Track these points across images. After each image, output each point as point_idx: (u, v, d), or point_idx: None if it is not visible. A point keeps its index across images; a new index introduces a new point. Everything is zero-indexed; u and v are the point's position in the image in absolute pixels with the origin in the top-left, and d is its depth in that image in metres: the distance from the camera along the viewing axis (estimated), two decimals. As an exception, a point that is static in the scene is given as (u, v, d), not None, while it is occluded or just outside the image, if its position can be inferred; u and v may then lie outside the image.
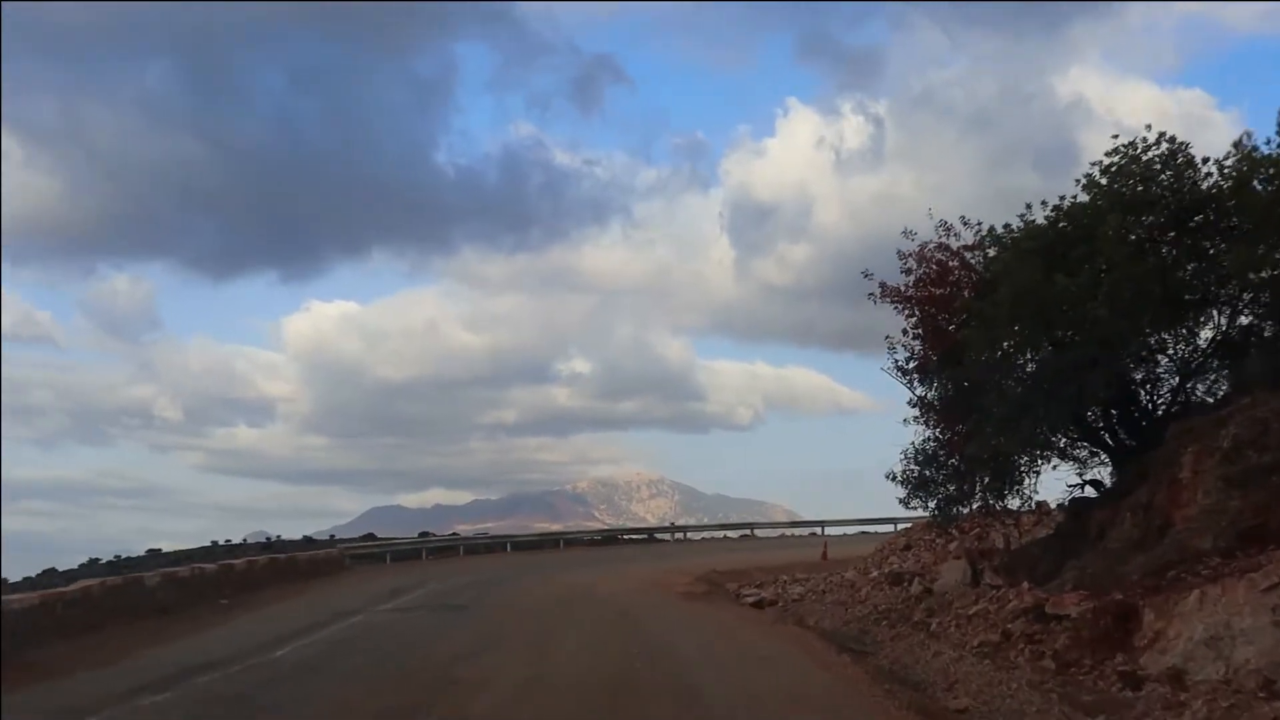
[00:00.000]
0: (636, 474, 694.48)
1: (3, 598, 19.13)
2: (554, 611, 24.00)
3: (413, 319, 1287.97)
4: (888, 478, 21.93)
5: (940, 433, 21.40)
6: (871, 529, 62.43)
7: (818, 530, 60.41)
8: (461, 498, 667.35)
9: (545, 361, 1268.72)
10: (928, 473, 21.37)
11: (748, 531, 60.56)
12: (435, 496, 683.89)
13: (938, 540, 31.37)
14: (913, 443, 21.80)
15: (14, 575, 39.04)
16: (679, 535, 57.52)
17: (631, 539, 58.13)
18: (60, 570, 43.06)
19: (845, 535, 59.82)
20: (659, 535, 58.53)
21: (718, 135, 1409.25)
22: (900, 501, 21.89)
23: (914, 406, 21.74)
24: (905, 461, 21.76)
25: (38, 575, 41.21)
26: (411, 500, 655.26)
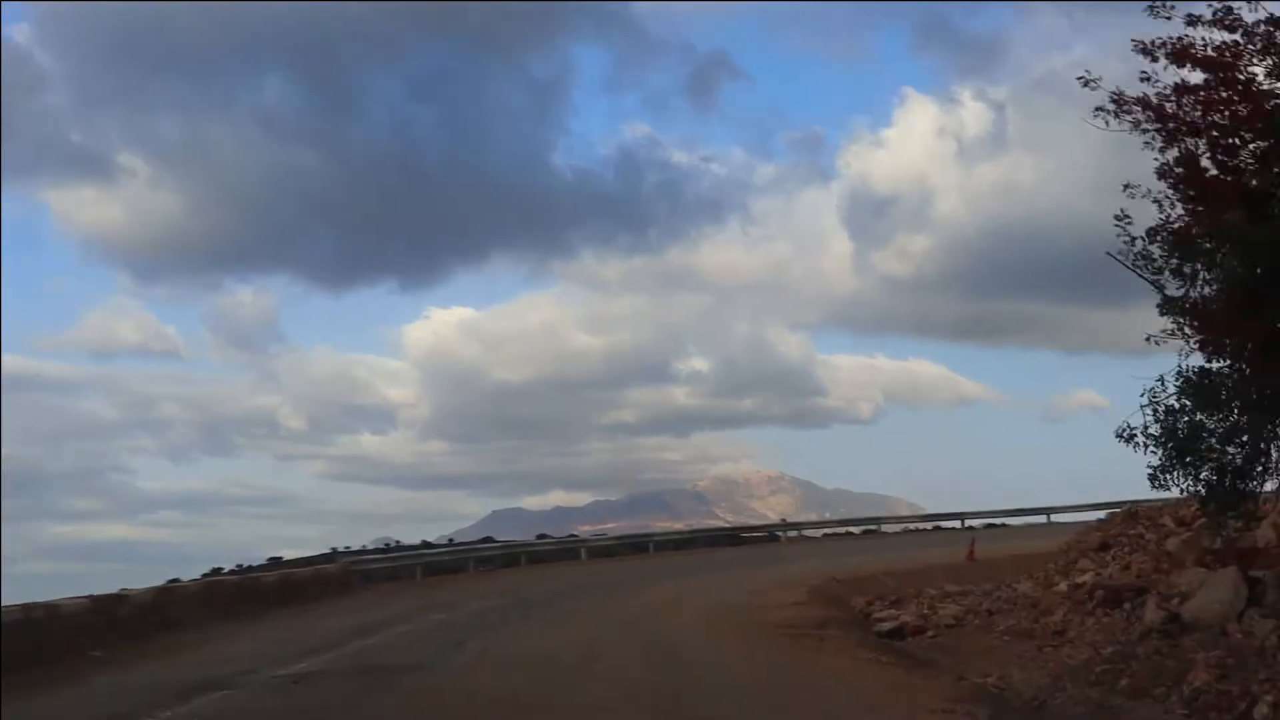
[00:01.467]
0: (756, 471, 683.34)
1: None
2: (550, 680, 14.67)
3: (531, 322, 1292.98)
4: (1120, 437, 12.81)
5: (1215, 354, 12.21)
6: (1016, 521, 52.87)
7: (953, 524, 50.92)
8: (581, 499, 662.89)
9: (664, 361, 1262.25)
10: (1200, 420, 12.14)
11: (873, 527, 51.28)
12: (556, 498, 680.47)
13: (1148, 536, 21.94)
14: (1162, 377, 12.68)
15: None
16: (794, 533, 48.54)
17: (752, 536, 49.15)
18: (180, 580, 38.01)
19: (986, 529, 50.40)
20: (780, 533, 49.56)
21: (835, 128, 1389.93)
22: (1151, 477, 12.71)
23: (1167, 313, 12.60)
24: (1153, 407, 12.59)
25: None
26: (532, 502, 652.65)
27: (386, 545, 41.56)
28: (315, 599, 26.12)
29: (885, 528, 51.87)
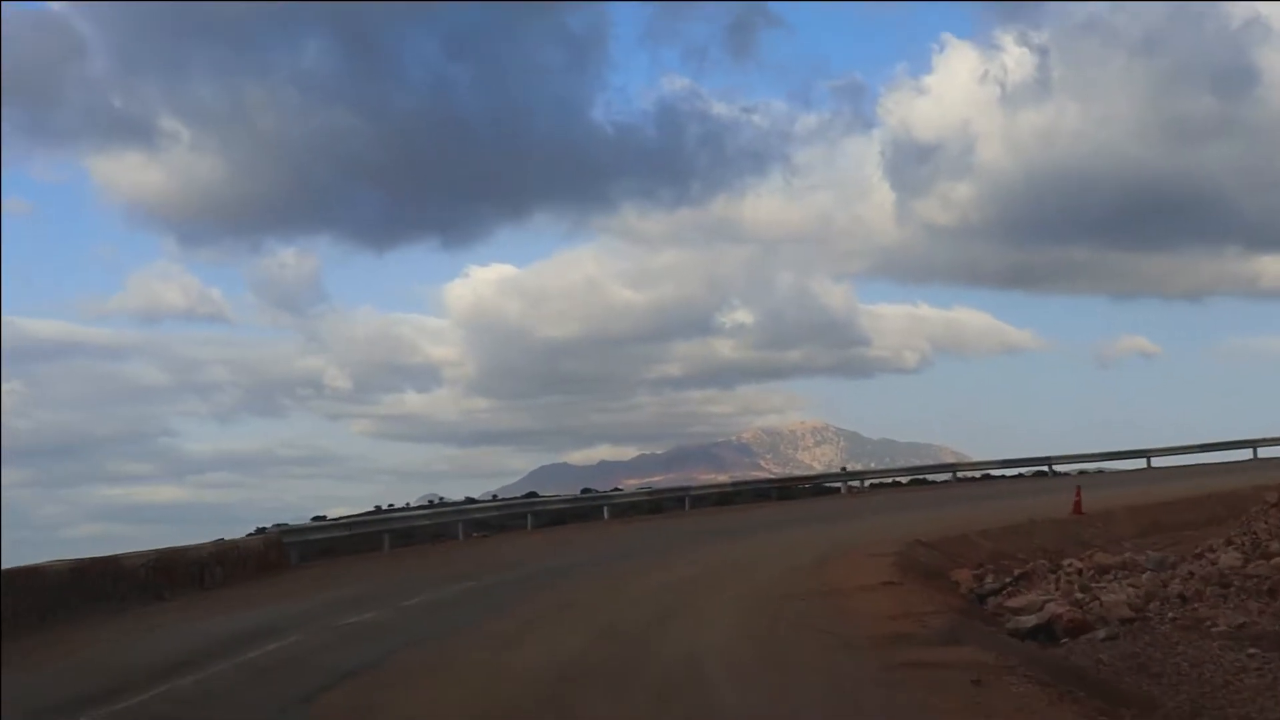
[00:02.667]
0: (801, 422, 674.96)
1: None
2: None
3: (573, 278, 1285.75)
4: None
5: None
6: (1111, 465, 45.87)
7: (1019, 471, 44.03)
8: (627, 453, 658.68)
9: (708, 314, 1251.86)
10: None
11: (947, 476, 44.37)
12: (601, 453, 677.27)
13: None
14: None
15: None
16: (852, 484, 41.63)
17: (803, 488, 42.26)
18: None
19: (1072, 476, 43.49)
20: (829, 484, 42.67)
21: (875, 76, 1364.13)
22: None
23: None
24: None
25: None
26: (578, 457, 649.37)
27: (430, 502, 36.41)
28: (242, 581, 19.46)
29: (933, 477, 44.93)
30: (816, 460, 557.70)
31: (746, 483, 43.97)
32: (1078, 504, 29.64)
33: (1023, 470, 44.53)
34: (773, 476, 55.28)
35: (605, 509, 34.86)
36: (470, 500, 37.69)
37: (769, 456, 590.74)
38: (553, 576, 20.47)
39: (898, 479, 44.03)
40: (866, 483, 41.90)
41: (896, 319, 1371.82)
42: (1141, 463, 44.92)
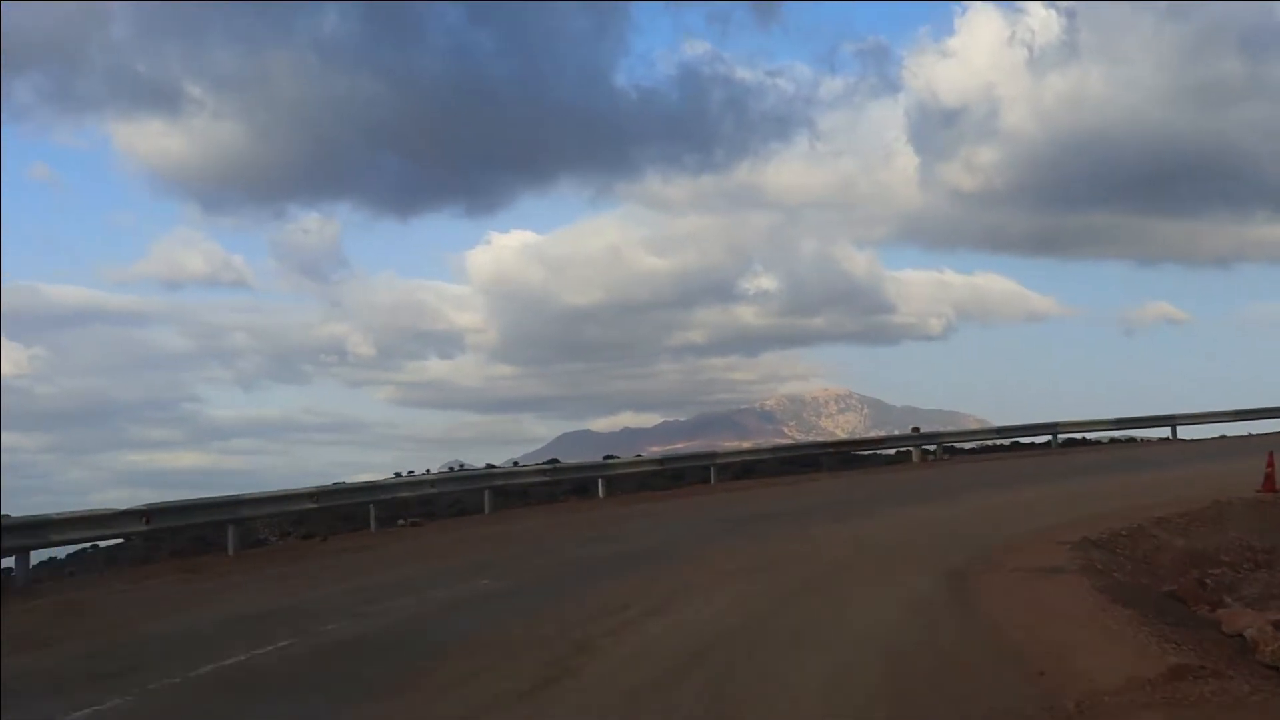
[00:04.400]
0: (824, 389, 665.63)
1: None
2: None
3: (595, 245, 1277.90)
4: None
5: None
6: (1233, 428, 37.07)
7: (1111, 435, 35.33)
8: (650, 420, 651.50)
9: (731, 281, 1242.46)
10: None
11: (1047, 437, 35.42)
12: (624, 420, 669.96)
13: None
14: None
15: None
16: (930, 449, 32.86)
17: (822, 453, 33.33)
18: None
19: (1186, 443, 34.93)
20: (859, 452, 33.80)
21: (899, 39, 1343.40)
22: None
23: None
24: None
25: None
26: (601, 424, 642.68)
27: (450, 469, 31.29)
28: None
29: (962, 444, 36.04)
30: (839, 427, 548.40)
31: (781, 450, 34.96)
32: (1271, 478, 21.20)
33: (1125, 433, 35.83)
34: (814, 441, 43.64)
35: (599, 483, 26.37)
36: (490, 466, 30.41)
37: (792, 424, 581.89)
38: (509, 596, 12.00)
39: (990, 440, 35.13)
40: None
41: (921, 285, 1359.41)
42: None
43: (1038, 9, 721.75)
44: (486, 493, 25.06)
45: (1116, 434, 35.69)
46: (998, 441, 35.13)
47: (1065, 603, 11.09)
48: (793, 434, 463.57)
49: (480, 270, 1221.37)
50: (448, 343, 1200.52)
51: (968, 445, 34.86)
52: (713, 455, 31.11)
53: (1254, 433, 36.47)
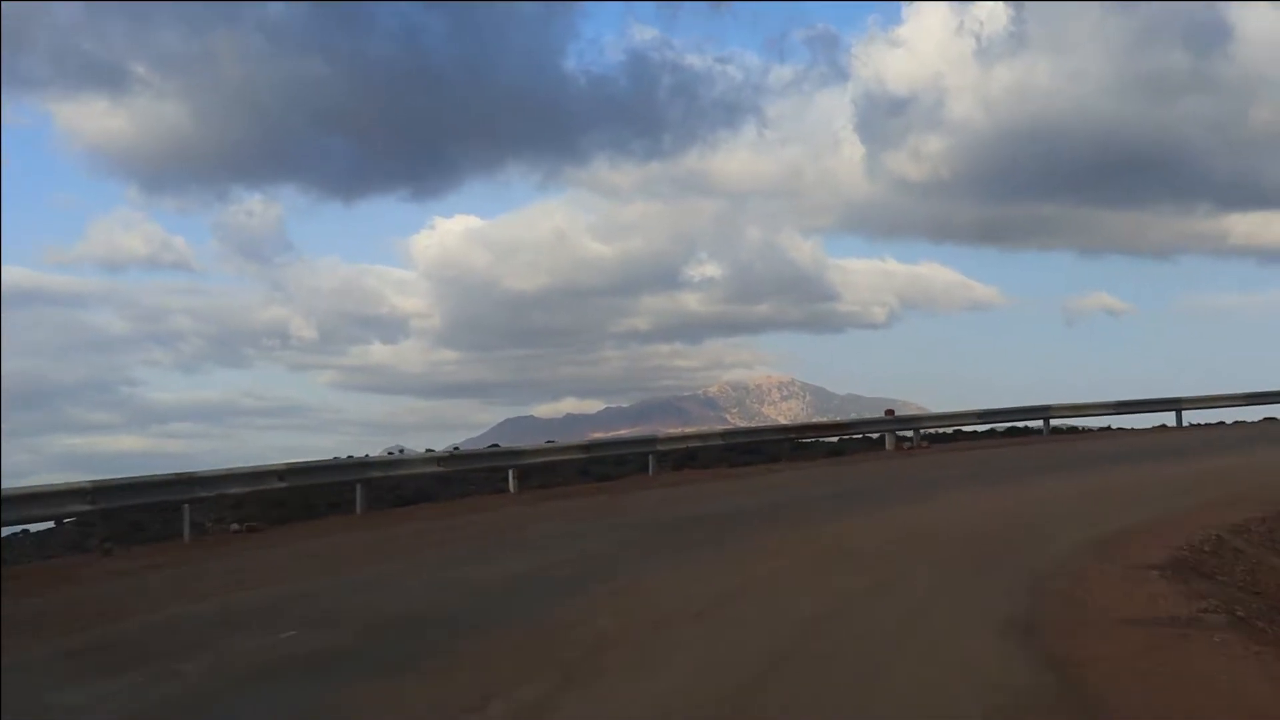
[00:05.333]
0: (768, 376, 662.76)
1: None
2: None
3: (541, 230, 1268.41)
4: None
5: None
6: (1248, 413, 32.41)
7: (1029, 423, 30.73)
8: (594, 406, 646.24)
9: (676, 268, 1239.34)
10: None
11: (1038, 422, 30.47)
12: (568, 406, 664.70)
13: None
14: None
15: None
16: (907, 434, 27.88)
17: (783, 439, 28.24)
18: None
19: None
20: (825, 439, 28.70)
21: (847, 27, 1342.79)
22: None
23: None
24: None
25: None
26: (545, 410, 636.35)
27: (390, 454, 26.06)
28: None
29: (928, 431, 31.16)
30: (782, 415, 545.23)
31: (729, 434, 29.51)
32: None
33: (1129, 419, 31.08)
34: (791, 424, 37.53)
35: (510, 475, 21.13)
36: (429, 451, 24.88)
37: (735, 410, 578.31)
38: None
39: (973, 425, 30.05)
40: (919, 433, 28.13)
41: (865, 274, 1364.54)
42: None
43: (985, 1, 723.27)
44: (359, 488, 19.66)
45: (1116, 419, 30.86)
46: (977, 427, 30.18)
47: (1236, 685, 6.11)
48: (735, 420, 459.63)
49: (425, 255, 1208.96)
50: (391, 327, 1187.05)
51: (948, 430, 29.82)
52: (652, 441, 25.81)
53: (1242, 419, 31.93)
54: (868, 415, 35.13)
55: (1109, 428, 30.99)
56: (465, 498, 21.56)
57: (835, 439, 28.65)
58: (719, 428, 38.47)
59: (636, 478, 23.96)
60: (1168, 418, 31.21)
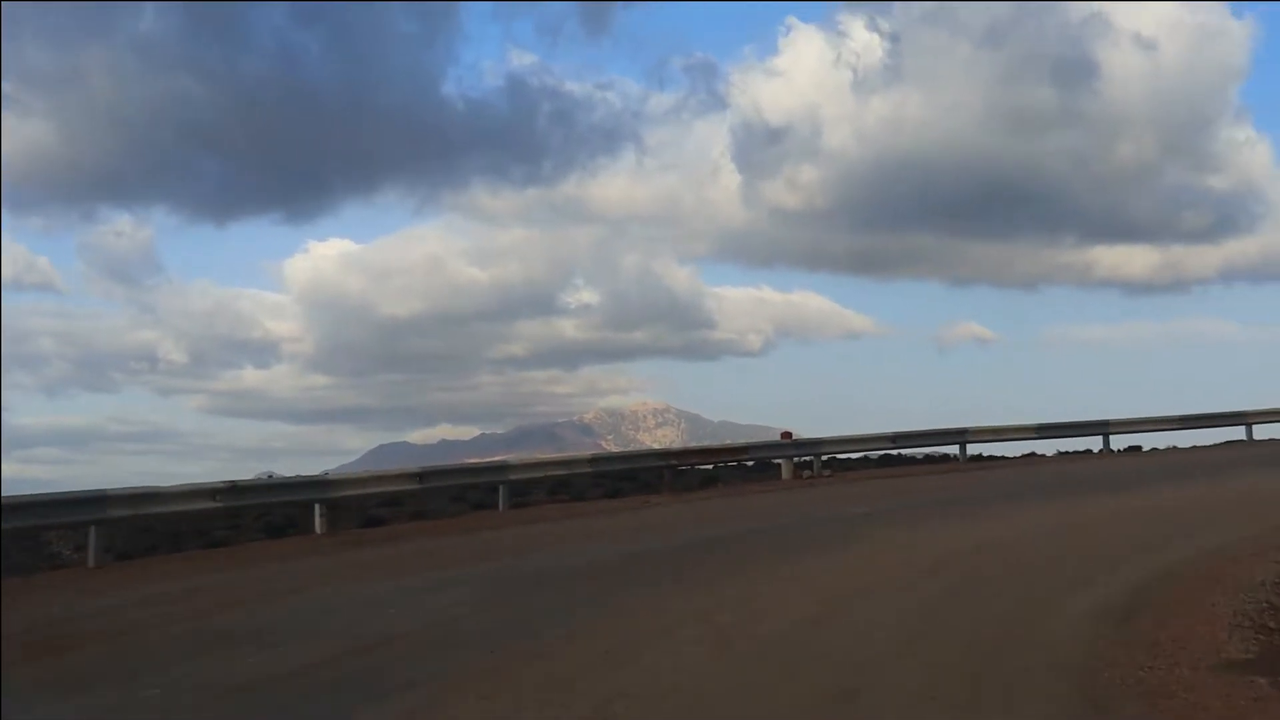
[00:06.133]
0: (643, 403, 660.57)
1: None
2: None
3: (416, 255, 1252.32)
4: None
5: None
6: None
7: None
8: (468, 432, 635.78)
9: (553, 294, 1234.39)
10: None
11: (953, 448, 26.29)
12: (442, 432, 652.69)
13: None
14: None
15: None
16: (804, 461, 23.41)
17: (663, 467, 23.38)
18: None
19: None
20: (705, 465, 24.14)
21: (725, 56, 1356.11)
22: None
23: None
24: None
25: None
26: (419, 436, 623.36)
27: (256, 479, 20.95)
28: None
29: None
30: (656, 441, 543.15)
31: (597, 460, 24.63)
32: None
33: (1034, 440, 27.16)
34: (671, 449, 30.44)
35: (317, 512, 15.91)
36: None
37: (610, 437, 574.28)
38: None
39: (882, 449, 25.64)
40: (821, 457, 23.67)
41: (741, 302, 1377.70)
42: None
43: (861, 31, 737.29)
44: (91, 531, 14.33)
45: (1038, 443, 26.88)
46: (888, 450, 25.88)
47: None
48: (610, 447, 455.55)
49: (298, 278, 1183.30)
50: (263, 351, 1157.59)
51: (854, 453, 25.42)
52: (502, 470, 20.83)
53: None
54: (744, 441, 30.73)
55: (1033, 453, 27.02)
56: (250, 544, 16.29)
57: (714, 465, 24.04)
58: (586, 453, 33.45)
59: (481, 515, 18.99)
60: (1094, 442, 27.43)
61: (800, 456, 23.32)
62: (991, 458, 27.15)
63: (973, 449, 26.23)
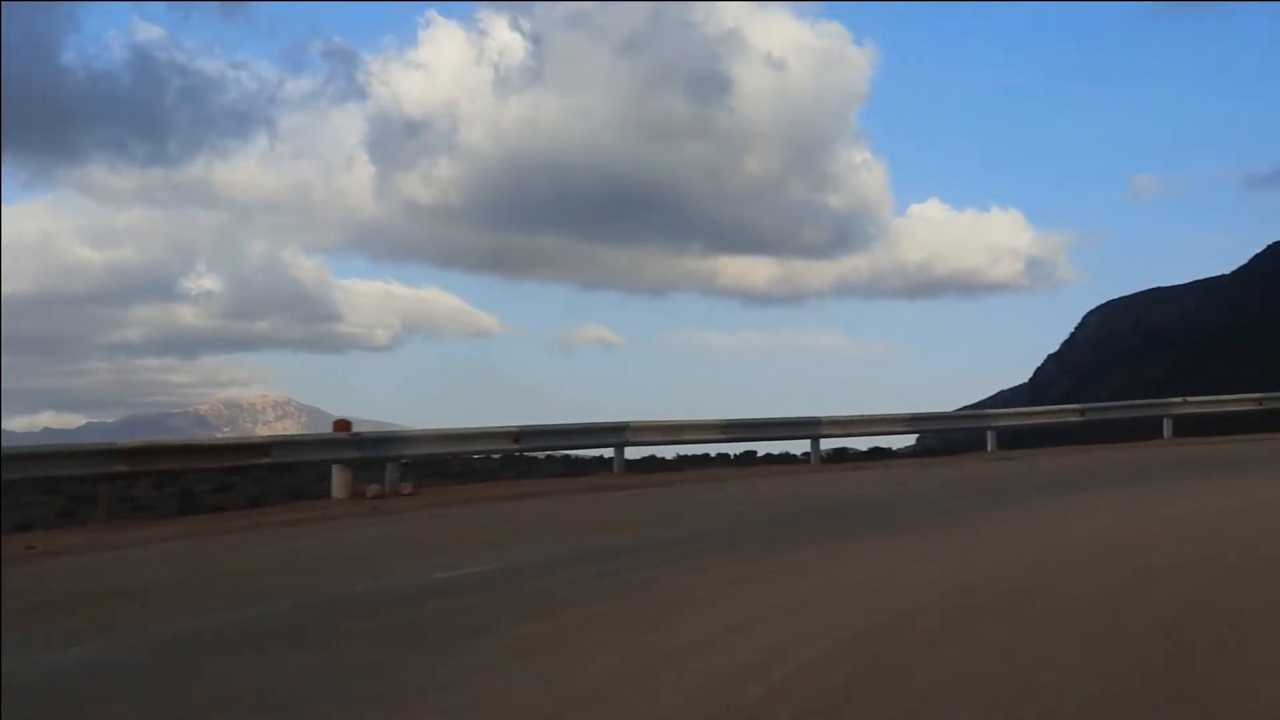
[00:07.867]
0: (262, 396, 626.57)
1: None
2: None
3: (25, 231, 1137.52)
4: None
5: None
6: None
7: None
8: (74, 421, 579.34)
9: (173, 279, 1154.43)
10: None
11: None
12: (45, 420, 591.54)
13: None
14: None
15: None
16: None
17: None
18: None
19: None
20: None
21: (366, 45, 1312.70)
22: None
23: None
24: None
25: None
26: (19, 424, 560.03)
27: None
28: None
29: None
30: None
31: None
32: None
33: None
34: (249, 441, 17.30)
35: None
36: None
37: (226, 430, 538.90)
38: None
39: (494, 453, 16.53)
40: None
41: (369, 296, 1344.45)
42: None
43: (503, 31, 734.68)
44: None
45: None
46: (514, 451, 16.85)
47: None
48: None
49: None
50: None
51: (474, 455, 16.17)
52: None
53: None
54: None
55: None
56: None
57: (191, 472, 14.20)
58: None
59: None
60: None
61: (366, 457, 13.88)
62: (652, 460, 18.83)
63: (630, 453, 17.67)
